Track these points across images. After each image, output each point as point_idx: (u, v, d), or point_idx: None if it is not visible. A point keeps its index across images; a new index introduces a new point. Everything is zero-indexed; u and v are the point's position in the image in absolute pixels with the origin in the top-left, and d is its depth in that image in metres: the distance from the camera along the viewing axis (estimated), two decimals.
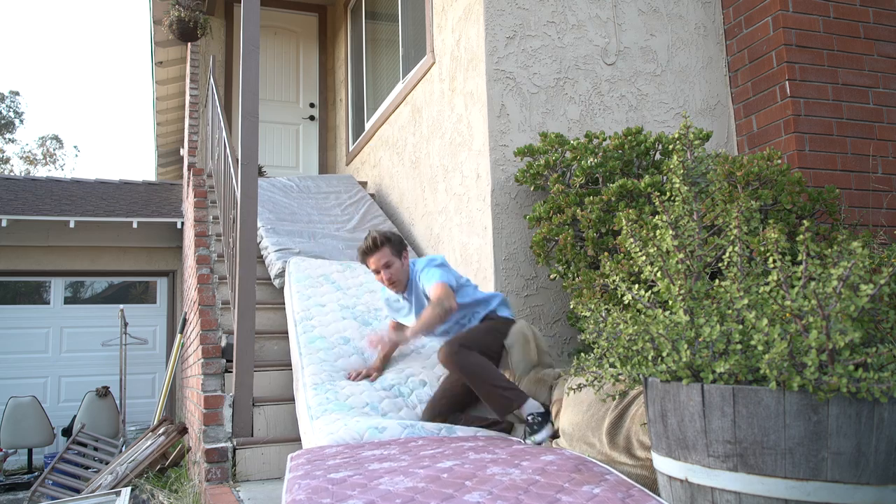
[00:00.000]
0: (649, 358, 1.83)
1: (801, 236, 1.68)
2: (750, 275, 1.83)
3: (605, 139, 3.43)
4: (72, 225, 7.48)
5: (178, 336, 6.17)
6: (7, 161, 23.85)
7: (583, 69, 3.92)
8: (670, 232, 1.95)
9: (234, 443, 3.13)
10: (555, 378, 2.90)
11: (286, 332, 3.90)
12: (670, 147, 3.00)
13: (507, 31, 3.79)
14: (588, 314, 2.11)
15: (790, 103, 3.71)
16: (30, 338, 7.93)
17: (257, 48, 3.35)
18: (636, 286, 2.02)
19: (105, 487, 4.37)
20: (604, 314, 2.08)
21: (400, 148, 5.21)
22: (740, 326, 1.69)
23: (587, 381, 2.06)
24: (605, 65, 3.98)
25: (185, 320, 5.91)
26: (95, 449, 5.85)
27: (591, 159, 3.29)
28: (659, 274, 1.93)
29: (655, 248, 1.95)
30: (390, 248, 3.19)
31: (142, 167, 44.66)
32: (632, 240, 2.04)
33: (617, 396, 2.18)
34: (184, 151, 7.91)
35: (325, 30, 7.75)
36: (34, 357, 7.92)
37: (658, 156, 3.49)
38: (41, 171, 24.21)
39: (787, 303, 1.62)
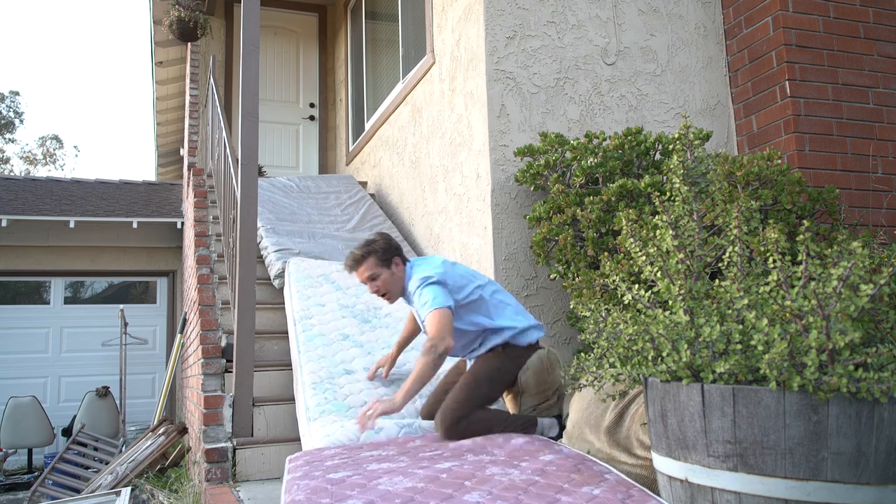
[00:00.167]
0: (649, 358, 1.83)
1: (801, 236, 1.68)
2: (750, 275, 1.83)
3: (605, 139, 3.43)
4: (72, 225, 7.48)
5: (178, 336, 6.17)
6: (7, 161, 23.85)
7: (583, 69, 3.92)
8: (670, 232, 1.95)
9: (234, 443, 3.13)
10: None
11: (286, 332, 3.90)
12: (670, 147, 3.00)
13: (507, 31, 3.79)
14: (588, 314, 2.11)
15: (790, 103, 3.71)
16: (30, 338, 7.93)
17: (257, 48, 3.35)
18: (636, 286, 2.02)
19: (105, 487, 4.37)
20: (604, 314, 2.08)
21: (400, 148, 5.21)
22: (740, 326, 1.69)
23: (587, 381, 2.06)
24: (605, 65, 3.98)
25: (185, 320, 5.91)
26: (95, 449, 5.85)
27: (591, 159, 3.29)
28: (659, 274, 1.92)
29: (655, 248, 1.95)
30: (375, 258, 2.91)
31: (142, 167, 44.68)
32: (632, 240, 2.04)
33: (617, 396, 2.18)
34: (184, 151, 7.91)
35: (325, 30, 7.75)
36: (34, 357, 7.92)
37: (658, 156, 3.49)
38: (41, 171, 24.22)
39: (787, 303, 1.62)
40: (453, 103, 4.18)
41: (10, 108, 23.87)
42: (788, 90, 3.73)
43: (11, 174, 17.86)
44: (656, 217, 2.02)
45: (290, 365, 3.54)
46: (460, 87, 4.07)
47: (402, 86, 5.17)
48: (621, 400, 2.31)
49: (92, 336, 8.05)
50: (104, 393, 7.15)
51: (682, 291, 1.82)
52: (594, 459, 2.21)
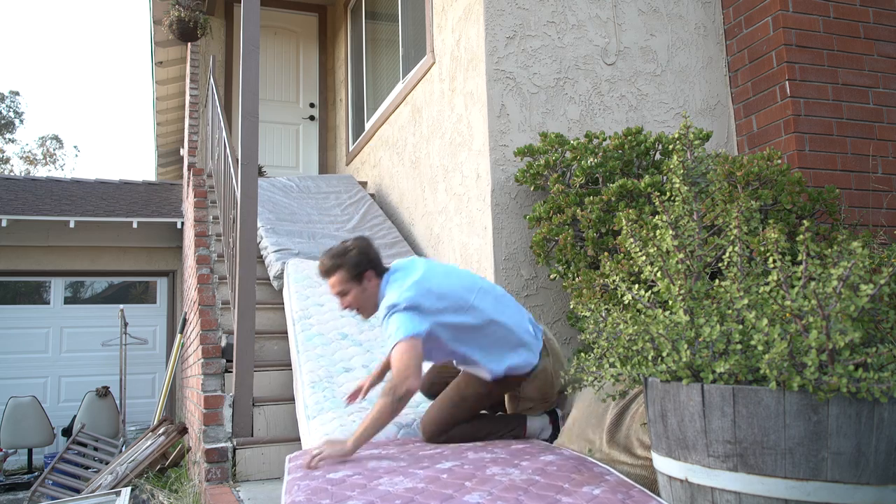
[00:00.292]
0: (649, 358, 1.83)
1: (801, 236, 1.68)
2: (750, 275, 1.83)
3: (605, 139, 3.43)
4: (72, 225, 7.48)
5: (178, 336, 6.17)
6: (7, 161, 23.86)
7: (583, 69, 3.92)
8: (670, 232, 1.95)
9: (234, 443, 3.13)
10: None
11: (286, 332, 3.90)
12: (670, 147, 3.00)
13: (507, 31, 3.79)
14: (588, 314, 2.11)
15: (790, 103, 3.71)
16: (30, 338, 7.93)
17: (257, 48, 3.35)
18: (636, 286, 2.02)
19: (105, 487, 4.37)
20: (604, 314, 2.08)
21: (400, 148, 5.21)
22: (740, 326, 1.69)
23: (587, 381, 2.06)
24: (605, 65, 3.98)
25: (185, 320, 5.91)
26: (95, 449, 5.85)
27: (591, 159, 3.29)
28: (659, 274, 1.92)
29: (655, 248, 1.95)
30: (345, 272, 2.59)
31: (142, 167, 44.68)
32: (632, 240, 2.04)
33: (617, 396, 2.18)
34: (184, 151, 7.91)
35: (325, 30, 7.75)
36: (34, 357, 7.92)
37: (658, 156, 3.49)
38: (41, 171, 24.22)
39: (787, 303, 1.62)
40: (453, 103, 4.18)
41: (10, 108, 23.88)
42: (788, 90, 3.73)
43: (11, 174, 17.86)
44: (656, 217, 2.02)
45: (290, 365, 3.54)
46: (460, 87, 4.07)
47: (402, 86, 5.17)
48: (621, 399, 2.31)
49: (92, 336, 8.05)
50: (104, 393, 7.16)
51: (682, 291, 1.82)
52: (594, 461, 2.21)
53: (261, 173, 6.42)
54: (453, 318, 2.52)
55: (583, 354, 2.12)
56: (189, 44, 7.14)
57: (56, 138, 25.20)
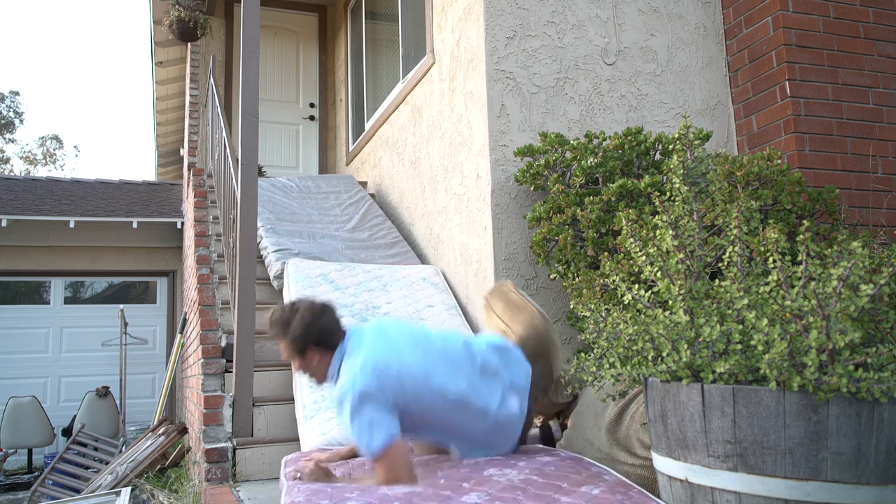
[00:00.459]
0: (649, 358, 1.83)
1: (801, 236, 1.68)
2: (750, 275, 1.83)
3: (605, 139, 3.43)
4: (72, 225, 7.48)
5: (178, 336, 6.17)
6: (7, 161, 23.86)
7: (583, 69, 3.92)
8: (670, 232, 1.95)
9: (234, 443, 3.13)
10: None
11: None
12: (670, 147, 3.00)
13: (507, 31, 3.79)
14: (588, 314, 2.10)
15: (790, 103, 3.71)
16: (30, 338, 7.93)
17: (257, 48, 3.35)
18: (636, 286, 2.02)
19: (105, 487, 4.37)
20: (604, 314, 2.08)
21: (400, 148, 5.21)
22: (740, 326, 1.69)
23: (587, 381, 2.06)
24: (605, 65, 3.98)
25: (185, 320, 5.91)
26: (95, 449, 5.85)
27: (591, 159, 3.29)
28: (659, 274, 1.92)
29: (655, 248, 1.95)
30: (287, 344, 2.29)
31: (142, 167, 44.68)
32: (632, 240, 2.04)
33: (617, 396, 2.18)
34: (184, 151, 7.91)
35: (325, 30, 7.75)
36: (34, 357, 7.92)
37: (658, 156, 3.49)
38: (41, 171, 24.21)
39: (787, 303, 1.62)
40: (453, 103, 4.18)
41: (10, 108, 23.88)
42: (788, 90, 3.73)
43: (11, 174, 17.86)
44: (656, 217, 2.02)
45: (290, 365, 3.54)
46: (460, 87, 4.07)
47: (402, 86, 5.17)
48: (621, 399, 2.31)
49: (92, 336, 8.05)
50: (104, 393, 7.15)
51: (682, 291, 1.82)
52: (592, 461, 2.21)
53: (261, 173, 6.42)
54: (413, 409, 2.15)
55: (583, 354, 2.12)
56: (189, 44, 7.14)
57: (56, 138, 25.21)
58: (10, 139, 24.00)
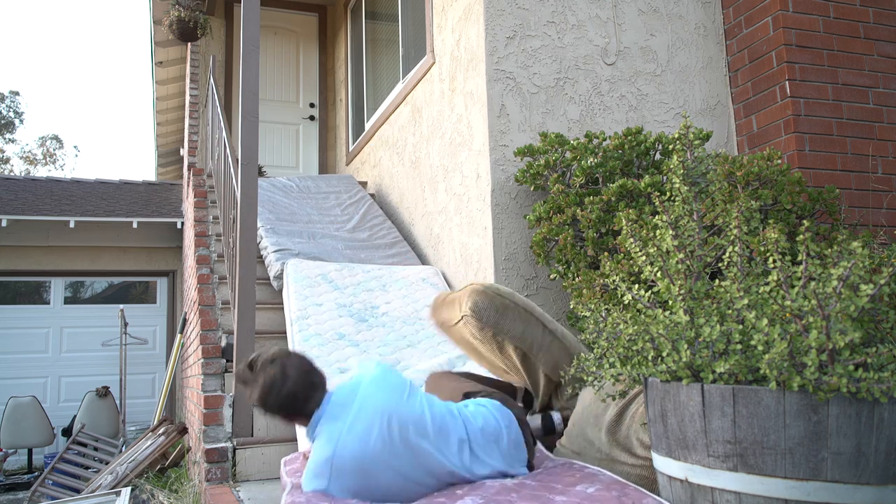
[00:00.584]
0: (649, 358, 1.83)
1: (801, 236, 1.68)
2: (750, 275, 1.83)
3: (605, 139, 3.43)
4: (72, 225, 7.48)
5: (178, 336, 6.17)
6: (7, 161, 23.86)
7: (583, 69, 3.92)
8: (670, 232, 1.95)
9: (234, 443, 3.13)
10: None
11: (286, 332, 3.91)
12: (670, 147, 3.00)
13: (507, 31, 3.79)
14: (588, 314, 2.10)
15: (790, 103, 3.71)
16: (30, 338, 7.93)
17: (257, 48, 3.35)
18: (636, 286, 2.02)
19: (105, 487, 4.37)
20: (604, 314, 2.08)
21: (400, 148, 5.21)
22: (740, 326, 1.69)
23: (587, 380, 2.06)
24: (605, 65, 3.98)
25: (185, 320, 5.91)
26: (95, 449, 5.85)
27: (591, 159, 3.29)
28: (659, 274, 1.92)
29: (655, 248, 1.95)
30: (256, 406, 2.08)
31: (142, 167, 44.71)
32: (632, 240, 2.04)
33: (617, 396, 2.18)
34: (184, 151, 7.91)
35: (325, 30, 7.75)
36: (34, 357, 7.92)
37: (658, 156, 3.49)
38: (41, 171, 24.22)
39: (787, 303, 1.62)
40: (453, 103, 4.18)
41: (10, 108, 23.88)
42: (788, 90, 3.73)
43: (11, 174, 17.86)
44: (656, 217, 2.02)
45: None
46: (460, 87, 4.07)
47: (402, 86, 5.17)
48: (621, 399, 2.31)
49: (92, 336, 8.05)
50: (104, 393, 7.16)
51: (682, 291, 1.82)
52: (584, 464, 2.21)
53: (261, 173, 6.42)
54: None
55: (583, 354, 2.12)
56: (189, 44, 7.14)
57: (56, 138, 25.22)
58: (10, 139, 24.00)
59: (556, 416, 2.82)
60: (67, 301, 8.25)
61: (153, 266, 8.34)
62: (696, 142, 2.10)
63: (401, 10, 5.43)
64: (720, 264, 1.94)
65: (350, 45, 7.03)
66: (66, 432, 7.24)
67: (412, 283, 4.07)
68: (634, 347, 1.87)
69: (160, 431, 4.86)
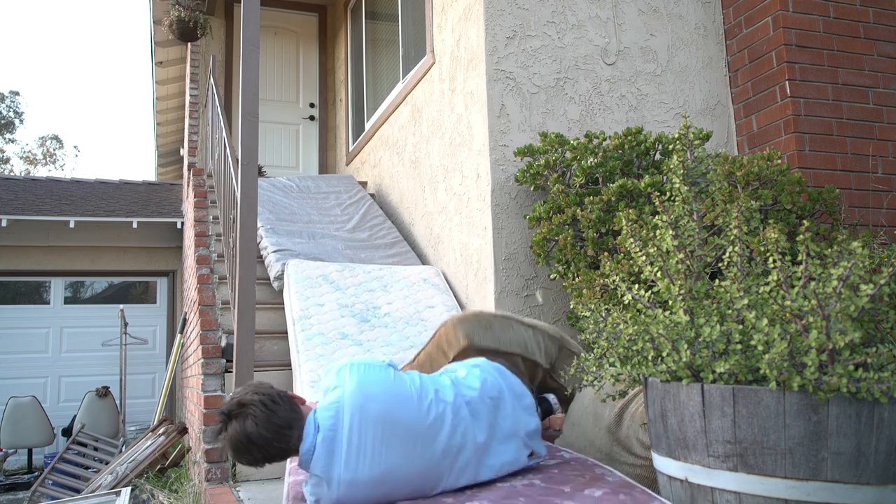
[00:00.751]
0: (649, 358, 1.83)
1: (801, 236, 1.68)
2: (750, 275, 1.83)
3: (605, 139, 3.43)
4: (72, 225, 7.48)
5: (178, 336, 6.17)
6: (7, 161, 23.86)
7: (583, 69, 3.92)
8: (670, 232, 1.95)
9: None
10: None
11: (286, 332, 3.90)
12: (670, 147, 3.00)
13: (507, 31, 3.79)
14: (588, 314, 2.10)
15: (790, 103, 3.71)
16: (30, 338, 7.93)
17: (257, 48, 3.35)
18: (636, 286, 2.02)
19: (105, 487, 4.37)
20: (604, 314, 2.08)
21: (400, 148, 5.21)
22: (740, 326, 1.69)
23: (587, 380, 2.06)
24: (605, 65, 3.98)
25: (185, 320, 5.91)
26: (95, 449, 5.86)
27: (591, 159, 3.29)
28: (659, 274, 1.92)
29: (655, 248, 1.95)
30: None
31: (142, 167, 44.71)
32: (632, 240, 2.04)
33: (617, 396, 2.18)
34: (184, 151, 7.91)
35: (325, 30, 7.75)
36: (34, 357, 7.92)
37: (658, 156, 3.49)
38: (41, 171, 24.22)
39: (787, 303, 1.62)
40: (453, 103, 4.18)
41: (10, 108, 23.89)
42: (788, 90, 3.73)
43: (11, 174, 17.86)
44: (656, 217, 2.02)
45: (290, 365, 3.54)
46: (460, 87, 4.07)
47: (402, 86, 5.17)
48: (621, 399, 2.31)
49: (92, 336, 8.05)
50: (104, 393, 7.16)
51: (682, 291, 1.82)
52: (596, 462, 2.21)
53: (261, 173, 6.42)
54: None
55: (583, 354, 2.12)
56: (189, 44, 7.14)
57: (56, 138, 25.22)
58: (10, 139, 24.01)
59: (552, 397, 2.82)
60: (67, 301, 8.25)
61: (153, 266, 8.34)
62: (696, 142, 2.10)
63: (401, 10, 5.43)
64: (720, 264, 1.94)
65: (350, 45, 7.03)
66: (66, 432, 7.25)
67: (413, 283, 4.07)
68: (634, 347, 1.87)
69: (160, 431, 4.86)
